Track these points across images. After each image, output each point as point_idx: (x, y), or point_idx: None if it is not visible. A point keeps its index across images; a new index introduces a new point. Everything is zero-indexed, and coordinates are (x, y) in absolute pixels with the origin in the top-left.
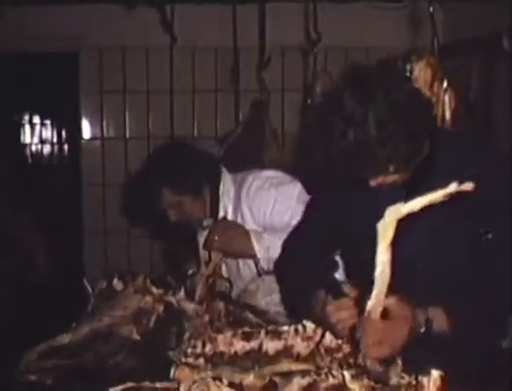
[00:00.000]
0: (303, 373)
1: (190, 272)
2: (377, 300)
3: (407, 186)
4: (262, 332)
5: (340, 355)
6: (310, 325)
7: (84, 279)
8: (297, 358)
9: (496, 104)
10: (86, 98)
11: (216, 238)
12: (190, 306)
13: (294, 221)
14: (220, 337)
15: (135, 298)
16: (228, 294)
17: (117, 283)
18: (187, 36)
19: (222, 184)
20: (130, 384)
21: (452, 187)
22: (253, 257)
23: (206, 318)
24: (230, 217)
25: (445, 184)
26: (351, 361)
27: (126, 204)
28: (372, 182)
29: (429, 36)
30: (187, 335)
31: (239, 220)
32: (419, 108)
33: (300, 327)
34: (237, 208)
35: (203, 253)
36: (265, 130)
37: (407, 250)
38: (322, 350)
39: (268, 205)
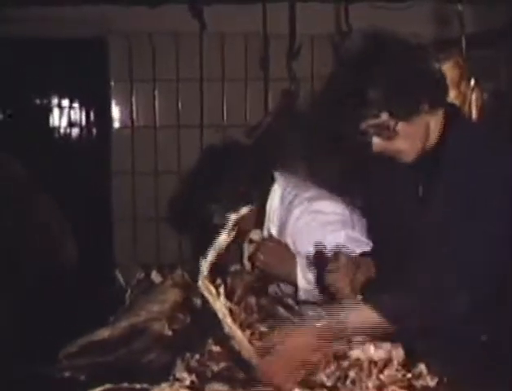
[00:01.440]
0: None
1: (233, 269)
2: None
3: (419, 169)
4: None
5: (346, 363)
6: None
7: (117, 271)
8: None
9: None
10: (116, 86)
11: (262, 258)
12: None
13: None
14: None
15: (173, 292)
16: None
17: (156, 276)
18: (217, 22)
19: (269, 199)
20: (108, 386)
21: None
22: (294, 284)
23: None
24: (271, 226)
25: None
26: (351, 374)
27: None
28: (374, 146)
29: (452, 28)
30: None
31: (280, 232)
32: (421, 71)
33: None
34: (280, 232)
35: (247, 263)
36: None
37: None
38: (330, 356)
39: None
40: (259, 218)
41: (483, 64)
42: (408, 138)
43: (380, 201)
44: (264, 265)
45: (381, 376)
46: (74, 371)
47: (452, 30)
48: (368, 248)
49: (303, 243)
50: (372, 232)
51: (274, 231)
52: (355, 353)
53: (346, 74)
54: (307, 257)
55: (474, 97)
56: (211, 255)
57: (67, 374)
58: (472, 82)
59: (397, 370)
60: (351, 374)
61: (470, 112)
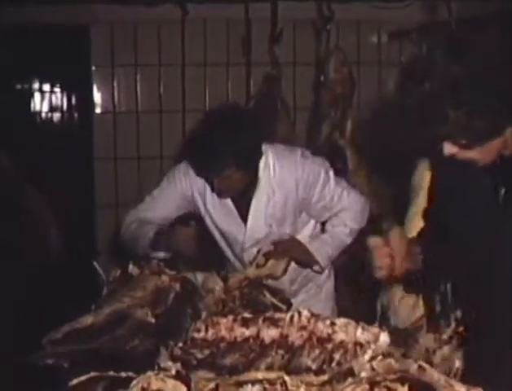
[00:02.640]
0: (259, 382)
1: None
2: None
3: (501, 173)
4: (260, 319)
5: (330, 346)
6: (306, 313)
7: (94, 263)
8: (290, 348)
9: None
10: (98, 71)
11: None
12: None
13: (334, 202)
14: (223, 321)
15: (152, 279)
16: None
17: (133, 269)
18: (198, 8)
19: (263, 156)
20: (93, 374)
21: None
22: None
23: (220, 294)
24: (276, 191)
25: None
26: (336, 356)
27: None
28: (446, 149)
29: (440, 8)
30: (204, 314)
31: (285, 194)
32: (505, 83)
33: (296, 315)
34: (284, 183)
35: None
36: (276, 104)
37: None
38: (314, 340)
39: (318, 183)
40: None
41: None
42: (484, 151)
43: (455, 209)
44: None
45: (374, 364)
46: (57, 358)
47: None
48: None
49: (310, 183)
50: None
51: (275, 184)
52: (339, 335)
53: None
54: None
55: None
56: None
57: (50, 361)
58: None
59: (384, 355)
60: (336, 356)
61: None
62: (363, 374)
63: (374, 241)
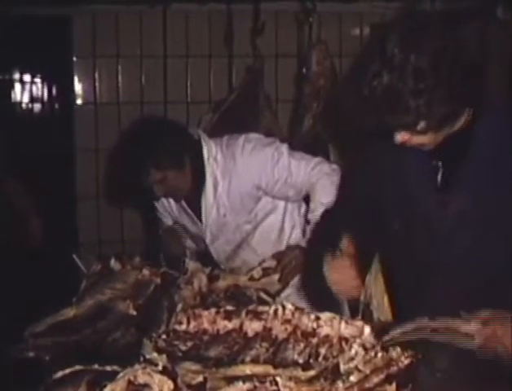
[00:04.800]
0: (248, 378)
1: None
2: None
3: (439, 157)
4: (243, 312)
5: (315, 340)
6: (290, 307)
7: (74, 256)
8: (275, 341)
9: (489, 73)
10: (79, 62)
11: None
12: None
13: (293, 178)
14: (205, 314)
15: (133, 273)
16: None
17: (115, 264)
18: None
19: (205, 149)
20: (78, 367)
21: None
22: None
23: (195, 287)
24: (220, 181)
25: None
26: (322, 351)
27: (111, 186)
28: (398, 137)
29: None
30: (179, 307)
31: (233, 183)
32: (464, 69)
33: (280, 309)
34: (229, 171)
35: None
36: (259, 97)
37: (443, 227)
38: (299, 334)
39: (266, 165)
40: (197, 178)
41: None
42: (436, 134)
43: (392, 189)
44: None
45: (361, 367)
46: (39, 351)
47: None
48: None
49: (259, 164)
50: (384, 222)
51: (219, 171)
52: (324, 330)
53: (383, 76)
54: None
55: None
56: None
57: (31, 354)
58: None
59: (366, 348)
60: (322, 351)
61: None
62: (352, 378)
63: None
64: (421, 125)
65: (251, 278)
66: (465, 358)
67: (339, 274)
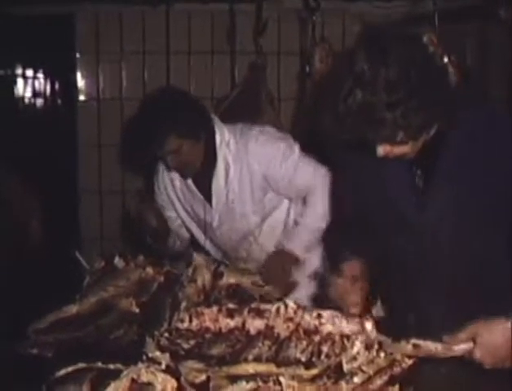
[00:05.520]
0: (251, 377)
1: None
2: None
3: (418, 163)
4: (245, 310)
5: (317, 338)
6: (292, 305)
7: (77, 253)
8: (277, 339)
9: (491, 72)
10: (83, 58)
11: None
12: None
13: (297, 178)
14: (207, 312)
15: (137, 271)
16: None
17: (119, 261)
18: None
19: (218, 134)
20: (81, 365)
21: None
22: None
23: (199, 284)
24: (232, 167)
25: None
26: (325, 349)
27: (124, 151)
28: (380, 150)
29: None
30: (183, 304)
31: (243, 170)
32: (433, 75)
33: (282, 307)
34: (240, 159)
35: None
36: (261, 94)
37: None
38: (301, 332)
39: (276, 157)
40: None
41: (449, 38)
42: (416, 142)
43: (373, 195)
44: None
45: (364, 368)
46: (42, 347)
47: (423, 5)
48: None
49: (269, 157)
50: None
51: (230, 157)
52: (327, 327)
53: (357, 89)
54: None
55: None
56: None
57: (34, 351)
58: (445, 60)
59: (368, 346)
60: (325, 349)
61: None
62: (356, 379)
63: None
64: (400, 135)
65: (255, 284)
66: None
67: (338, 293)
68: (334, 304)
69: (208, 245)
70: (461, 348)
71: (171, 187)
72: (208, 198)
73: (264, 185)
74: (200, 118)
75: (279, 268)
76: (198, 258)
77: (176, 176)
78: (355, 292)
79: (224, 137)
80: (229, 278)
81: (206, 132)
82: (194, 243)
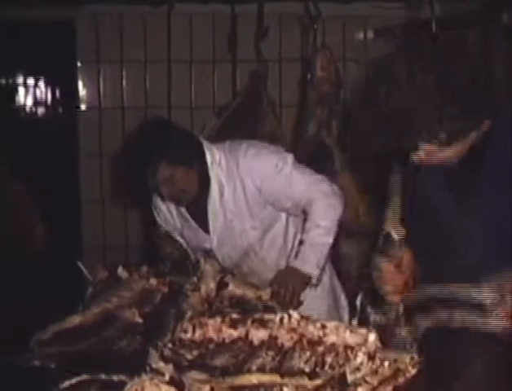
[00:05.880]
0: (255, 388)
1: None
2: None
3: (462, 171)
4: (249, 320)
5: (321, 349)
6: (295, 315)
7: (79, 263)
8: (281, 349)
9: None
10: (84, 67)
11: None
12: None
13: (292, 190)
14: (210, 322)
15: (141, 282)
16: None
17: (122, 272)
18: (184, 4)
19: (208, 154)
20: (85, 377)
21: None
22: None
23: (203, 293)
24: (225, 186)
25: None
26: (328, 359)
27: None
28: (419, 155)
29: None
30: (189, 314)
31: (237, 187)
32: (473, 83)
33: (286, 317)
34: (233, 176)
35: None
36: (263, 102)
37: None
38: (305, 342)
39: (268, 170)
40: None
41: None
42: (461, 146)
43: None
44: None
45: (368, 379)
46: (45, 359)
47: (422, 13)
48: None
49: (261, 170)
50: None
51: (223, 176)
52: (330, 338)
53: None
54: None
55: None
56: None
57: (37, 363)
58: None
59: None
60: (328, 359)
61: None
62: (360, 390)
63: (386, 267)
64: (435, 142)
65: (259, 299)
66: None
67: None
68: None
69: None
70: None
71: (169, 217)
72: (204, 223)
73: (260, 199)
74: (189, 143)
75: (288, 286)
76: (207, 266)
77: (172, 206)
78: (399, 280)
79: (215, 157)
80: (234, 289)
81: (197, 156)
82: None
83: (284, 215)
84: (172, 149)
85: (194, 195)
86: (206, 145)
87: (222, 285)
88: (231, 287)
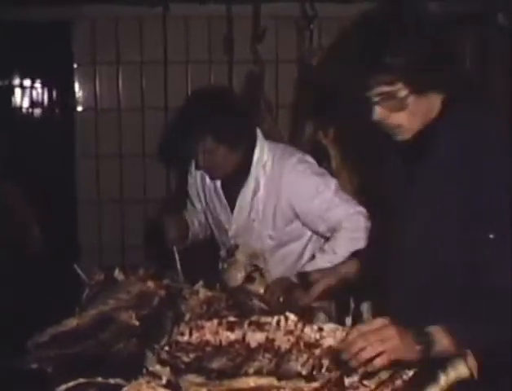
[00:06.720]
0: None
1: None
2: None
3: (410, 149)
4: (246, 323)
5: (318, 351)
6: (292, 317)
7: (75, 266)
8: (278, 352)
9: (489, 78)
10: (80, 68)
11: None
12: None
13: (329, 214)
14: (208, 325)
15: (138, 284)
16: None
17: (119, 274)
18: (180, 5)
19: (258, 150)
20: (81, 380)
21: None
22: None
23: (201, 296)
24: (261, 188)
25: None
26: (325, 362)
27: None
28: (376, 111)
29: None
30: (187, 316)
31: (272, 195)
32: (445, 48)
33: (282, 319)
34: (272, 182)
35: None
36: (259, 102)
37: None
38: (302, 345)
39: (308, 192)
40: (242, 169)
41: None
42: (414, 113)
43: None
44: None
45: (365, 382)
46: (41, 362)
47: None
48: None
49: (302, 189)
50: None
51: (263, 178)
52: (327, 341)
53: (363, 34)
54: None
55: None
56: None
57: (34, 366)
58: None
59: None
60: (325, 362)
61: None
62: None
63: None
64: (398, 86)
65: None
66: None
67: None
68: None
69: (221, 245)
70: None
71: (201, 182)
72: (231, 206)
73: (289, 215)
74: (243, 129)
75: (279, 295)
76: (240, 255)
77: (206, 179)
78: None
79: (263, 156)
80: (258, 288)
81: (246, 144)
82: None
83: (306, 238)
84: (223, 126)
85: (227, 174)
86: (260, 140)
87: (249, 279)
88: (256, 284)
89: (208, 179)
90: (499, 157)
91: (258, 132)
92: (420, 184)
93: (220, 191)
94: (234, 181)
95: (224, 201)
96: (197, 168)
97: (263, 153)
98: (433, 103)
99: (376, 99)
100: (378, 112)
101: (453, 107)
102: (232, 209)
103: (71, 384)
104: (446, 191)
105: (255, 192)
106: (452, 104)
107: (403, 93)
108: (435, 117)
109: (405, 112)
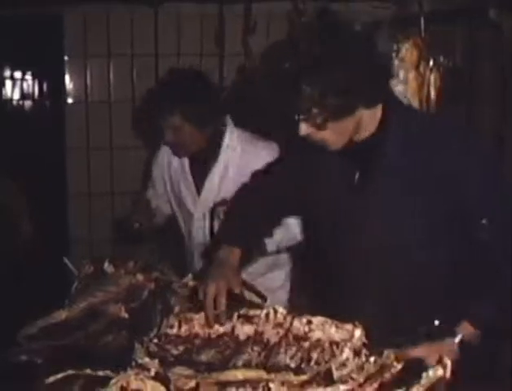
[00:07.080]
0: (241, 384)
1: None
2: None
3: (356, 157)
4: (235, 316)
5: (307, 344)
6: (281, 310)
7: (64, 258)
8: (266, 345)
9: (480, 72)
10: (71, 61)
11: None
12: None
13: None
14: (196, 317)
15: (127, 277)
16: None
17: (108, 267)
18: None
19: (228, 136)
20: (70, 372)
21: None
22: None
23: (190, 289)
24: (230, 170)
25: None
26: (314, 355)
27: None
28: (301, 128)
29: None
30: (177, 309)
31: (240, 180)
32: (365, 68)
33: (271, 312)
34: (241, 167)
35: None
36: (250, 97)
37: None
38: (290, 338)
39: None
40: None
41: (439, 41)
42: (336, 132)
43: (313, 188)
44: None
45: (354, 375)
46: (31, 354)
47: (410, 9)
48: None
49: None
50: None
51: (234, 167)
52: (316, 334)
53: (284, 61)
54: None
55: (432, 78)
56: None
57: (23, 358)
58: (431, 63)
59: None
60: (314, 355)
61: (429, 93)
62: (347, 386)
63: None
64: (314, 112)
65: None
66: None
67: None
68: None
69: (186, 232)
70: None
71: (167, 164)
72: (199, 190)
73: None
74: (213, 112)
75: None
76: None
77: (172, 160)
78: None
79: (232, 140)
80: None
81: (214, 127)
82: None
83: None
84: (193, 105)
85: (192, 152)
86: (230, 127)
87: None
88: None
89: (175, 163)
90: (455, 147)
91: (228, 118)
92: (370, 193)
93: (188, 173)
94: (203, 164)
95: (191, 181)
96: (164, 143)
97: (233, 140)
98: (363, 118)
99: (300, 117)
100: (303, 129)
101: (394, 114)
102: (199, 193)
103: (60, 375)
104: (405, 198)
105: (224, 174)
106: (391, 112)
107: (319, 119)
108: (381, 122)
109: (328, 131)
